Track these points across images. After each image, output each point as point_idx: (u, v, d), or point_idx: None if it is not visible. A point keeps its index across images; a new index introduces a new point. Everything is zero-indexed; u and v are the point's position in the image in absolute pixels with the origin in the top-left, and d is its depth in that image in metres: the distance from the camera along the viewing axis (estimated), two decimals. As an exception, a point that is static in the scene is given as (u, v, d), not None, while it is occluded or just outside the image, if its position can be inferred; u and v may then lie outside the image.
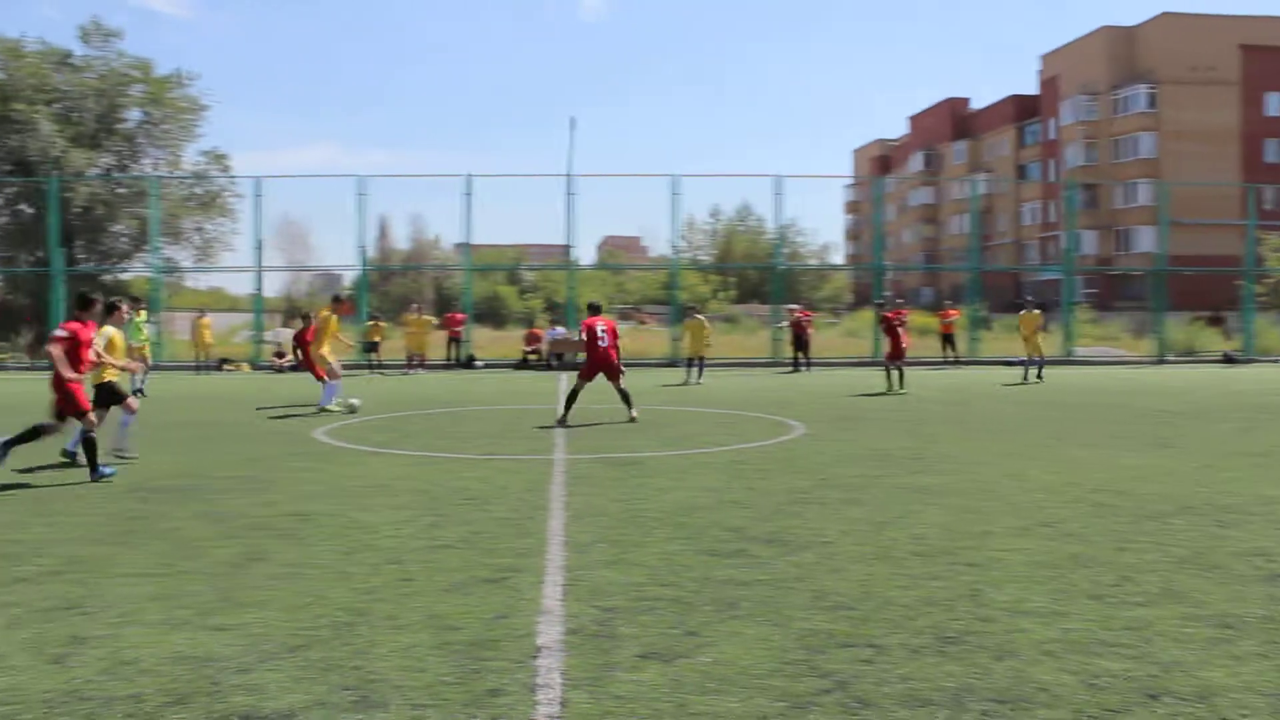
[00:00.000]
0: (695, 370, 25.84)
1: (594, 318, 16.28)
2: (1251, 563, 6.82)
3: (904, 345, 22.31)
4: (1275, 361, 37.45)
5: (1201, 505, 8.85)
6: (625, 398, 15.92)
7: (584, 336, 16.20)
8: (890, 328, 22.30)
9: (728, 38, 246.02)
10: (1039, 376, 25.82)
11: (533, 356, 32.54)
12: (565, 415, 15.38)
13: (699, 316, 26.38)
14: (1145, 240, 69.92)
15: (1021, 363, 27.13)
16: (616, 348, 16.22)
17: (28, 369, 32.53)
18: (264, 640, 5.18)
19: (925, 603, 5.85)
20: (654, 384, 24.33)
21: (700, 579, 6.35)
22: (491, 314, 60.15)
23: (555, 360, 31.96)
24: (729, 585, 6.20)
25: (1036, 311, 26.34)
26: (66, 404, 10.49)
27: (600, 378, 16.03)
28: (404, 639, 5.19)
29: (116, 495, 9.40)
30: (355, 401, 17.18)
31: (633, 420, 15.55)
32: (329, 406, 17.05)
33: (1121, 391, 22.30)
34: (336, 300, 19.07)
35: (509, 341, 38.44)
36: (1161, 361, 37.08)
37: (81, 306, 11.08)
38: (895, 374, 21.81)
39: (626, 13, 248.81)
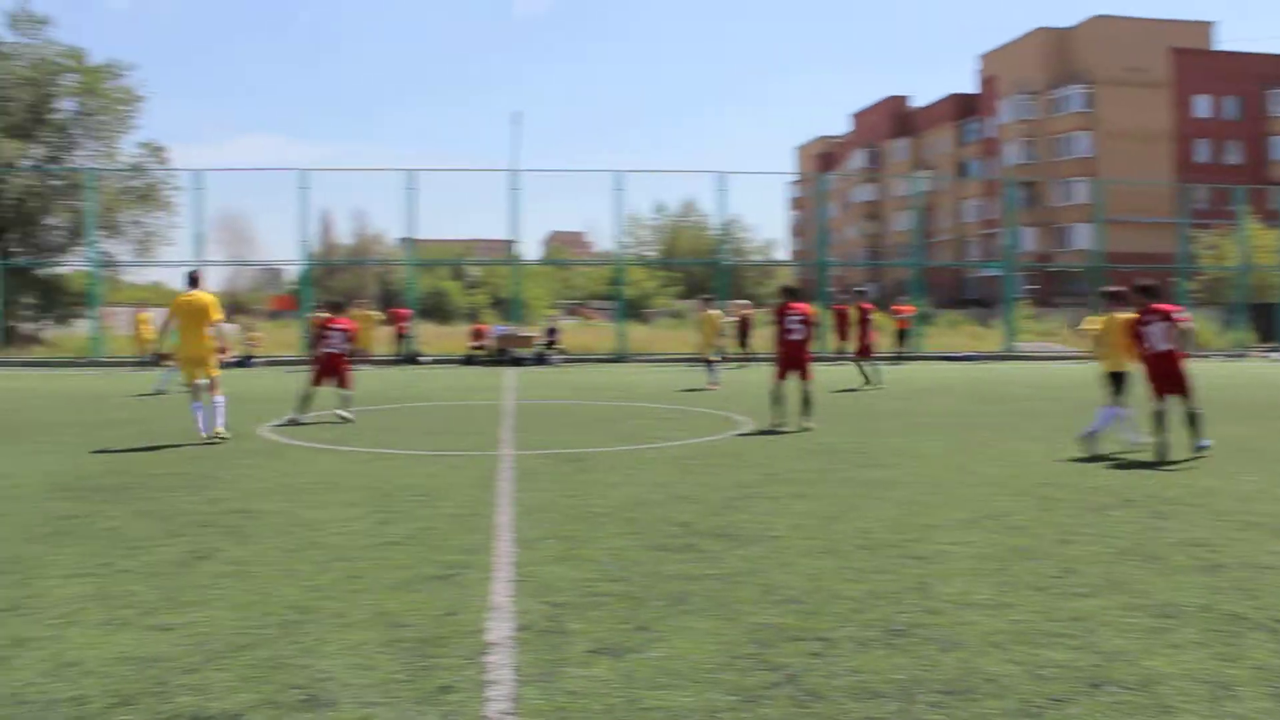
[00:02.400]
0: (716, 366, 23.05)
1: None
2: (1190, 553, 6.95)
3: (870, 340, 22.45)
4: (1206, 356, 38.19)
5: (1142, 497, 9.00)
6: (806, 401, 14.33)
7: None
8: (862, 320, 22.59)
9: (677, 31, 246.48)
10: None
11: (478, 352, 32.38)
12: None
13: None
14: (1083, 237, 70.96)
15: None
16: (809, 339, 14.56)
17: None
18: (210, 640, 5.11)
19: (873, 596, 5.90)
20: (600, 381, 24.32)
21: (650, 574, 6.35)
22: (436, 309, 59.87)
23: (502, 355, 31.87)
24: (678, 580, 6.21)
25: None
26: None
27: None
28: (353, 636, 5.14)
29: (54, 494, 9.22)
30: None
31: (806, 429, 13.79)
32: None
33: (1063, 386, 22.63)
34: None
35: (454, 337, 38.24)
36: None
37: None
38: (866, 367, 22.11)
39: (565, 6, 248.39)
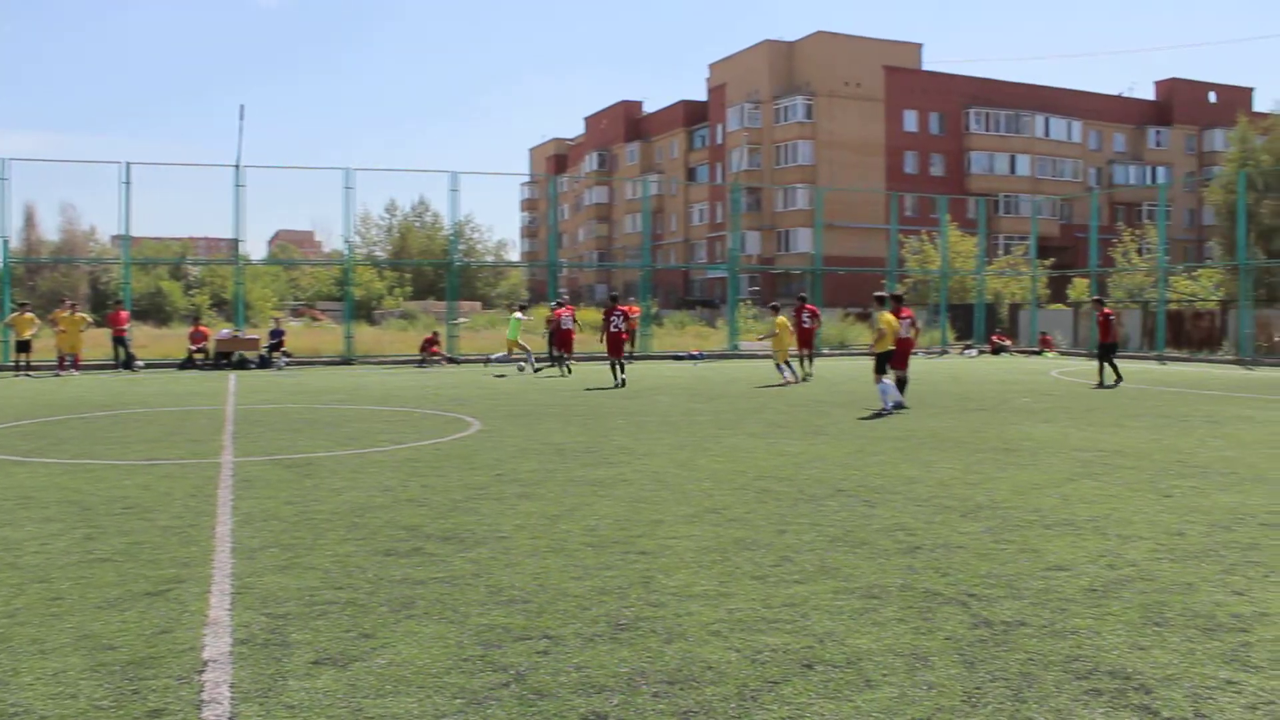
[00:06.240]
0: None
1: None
2: (894, 537, 7.46)
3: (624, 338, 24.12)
4: (915, 354, 40.74)
5: (852, 487, 9.57)
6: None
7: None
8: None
9: (405, 27, 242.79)
10: None
11: (199, 356, 30.92)
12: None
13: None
14: (803, 241, 74.47)
15: None
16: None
17: None
18: (-114, 673, 4.69)
19: (599, 592, 6.02)
20: (327, 384, 23.72)
21: (375, 580, 6.27)
22: (154, 311, 56.85)
23: (224, 359, 30.55)
24: (404, 585, 6.16)
25: None
26: None
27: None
28: (52, 663, 4.83)
29: None
30: None
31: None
32: None
33: (781, 383, 23.65)
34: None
35: (173, 340, 36.37)
36: (817, 355, 39.50)
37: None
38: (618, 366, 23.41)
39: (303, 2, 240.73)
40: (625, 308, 23.60)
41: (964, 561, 6.76)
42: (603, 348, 24.67)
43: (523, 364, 28.69)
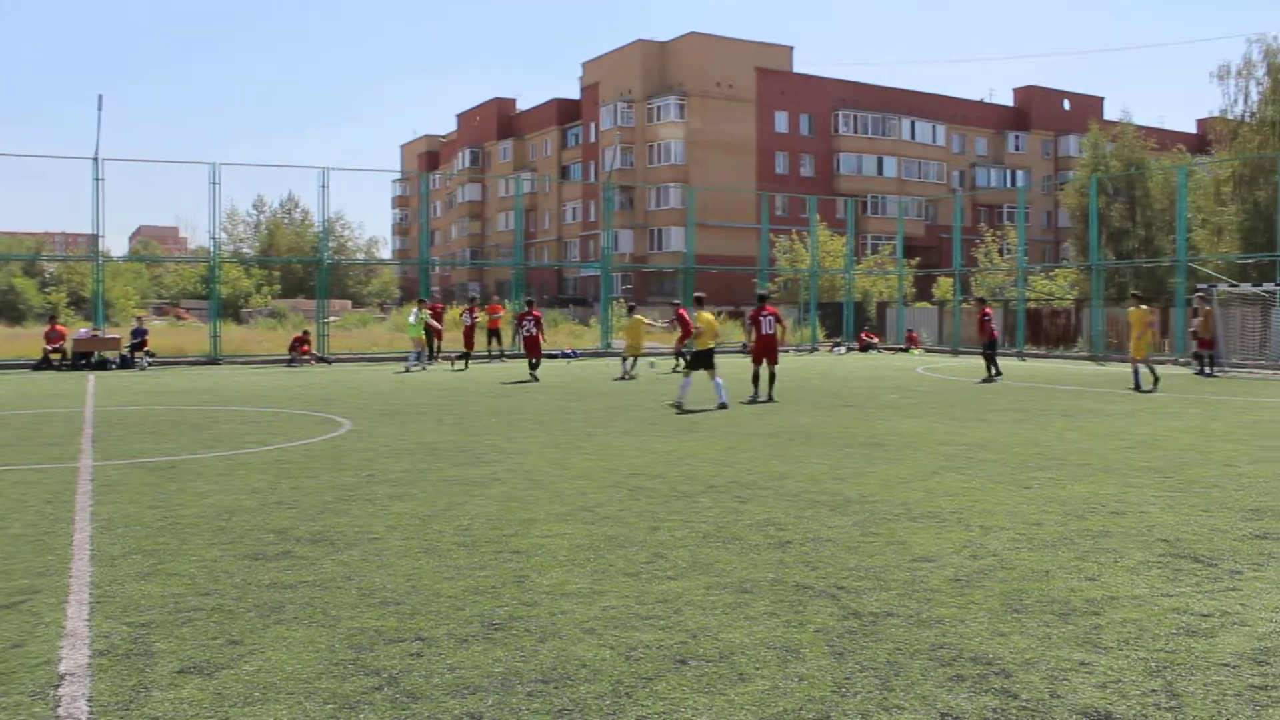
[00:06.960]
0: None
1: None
2: (765, 532, 7.57)
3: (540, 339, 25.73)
4: (785, 351, 41.40)
5: (724, 484, 9.68)
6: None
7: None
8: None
9: (276, 21, 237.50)
10: (1155, 383, 21.21)
11: (55, 356, 29.78)
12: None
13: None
14: (676, 240, 74.99)
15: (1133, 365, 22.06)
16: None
17: None
18: None
19: (472, 592, 5.99)
20: (192, 385, 23.09)
21: (243, 585, 6.13)
22: (7, 309, 54.68)
23: (82, 359, 29.48)
24: (274, 589, 6.03)
25: (1145, 307, 22.62)
26: None
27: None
28: (-105, 679, 4.61)
29: None
30: None
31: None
32: None
33: (653, 380, 23.79)
34: None
35: (27, 340, 34.95)
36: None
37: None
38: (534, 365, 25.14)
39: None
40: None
41: (833, 555, 6.90)
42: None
43: (415, 361, 29.91)
